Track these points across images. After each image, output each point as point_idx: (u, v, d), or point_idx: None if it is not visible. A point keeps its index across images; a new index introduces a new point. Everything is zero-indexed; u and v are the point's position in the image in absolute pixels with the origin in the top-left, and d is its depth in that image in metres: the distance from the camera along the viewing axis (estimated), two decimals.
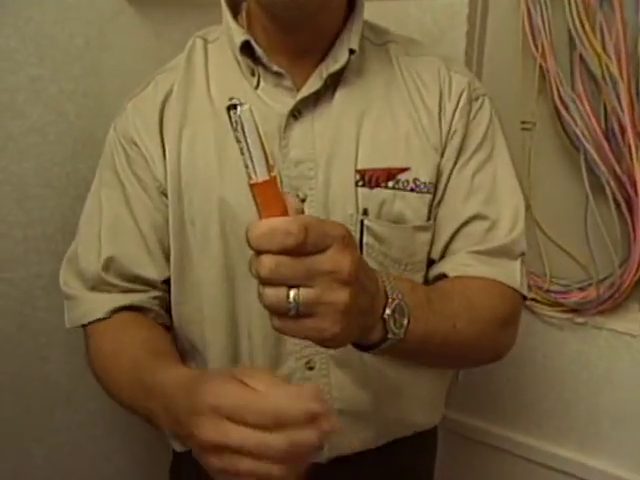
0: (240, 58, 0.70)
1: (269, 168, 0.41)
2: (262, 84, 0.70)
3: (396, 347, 0.55)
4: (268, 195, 0.42)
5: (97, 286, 0.72)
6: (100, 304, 0.71)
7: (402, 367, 0.73)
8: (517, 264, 0.72)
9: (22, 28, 0.83)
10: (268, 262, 0.42)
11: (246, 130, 0.40)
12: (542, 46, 1.03)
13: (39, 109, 0.88)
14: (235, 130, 0.41)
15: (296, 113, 0.69)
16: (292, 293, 0.43)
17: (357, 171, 0.69)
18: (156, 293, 0.73)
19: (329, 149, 0.69)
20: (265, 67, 0.69)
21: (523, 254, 0.73)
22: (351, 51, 0.69)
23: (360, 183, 0.69)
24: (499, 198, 0.72)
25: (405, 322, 0.54)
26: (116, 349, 0.66)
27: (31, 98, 0.87)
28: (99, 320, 0.70)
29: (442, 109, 0.72)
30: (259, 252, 0.43)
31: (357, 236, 0.68)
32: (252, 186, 0.42)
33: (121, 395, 0.63)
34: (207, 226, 0.69)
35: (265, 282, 0.44)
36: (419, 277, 0.73)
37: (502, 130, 0.77)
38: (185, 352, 0.75)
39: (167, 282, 0.73)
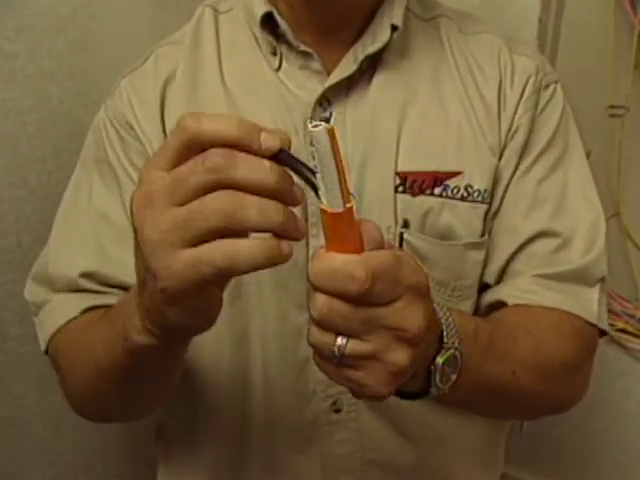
0: (259, 34, 0.75)
1: (346, 198, 0.43)
2: (285, 66, 0.75)
3: (438, 398, 0.58)
4: (340, 226, 0.44)
5: (69, 290, 0.76)
6: (73, 303, 0.74)
7: (447, 413, 0.76)
8: (595, 292, 0.75)
9: None
10: (321, 303, 0.44)
11: (321, 150, 0.42)
12: None
13: (15, 93, 0.94)
14: (311, 145, 0.43)
15: (324, 102, 0.73)
16: (339, 341, 0.46)
17: (397, 174, 0.73)
18: None
19: (363, 147, 0.73)
20: (290, 45, 0.73)
21: (603, 279, 0.76)
22: (393, 28, 0.72)
23: (400, 189, 0.72)
24: (572, 210, 0.75)
25: (454, 377, 0.57)
26: (84, 325, 0.71)
27: (5, 79, 0.92)
28: (69, 321, 0.74)
29: (502, 100, 0.75)
30: (315, 287, 0.45)
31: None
32: (322, 211, 0.44)
33: (91, 353, 0.65)
34: None
35: (315, 322, 0.46)
36: (468, 306, 0.77)
37: (576, 124, 0.81)
38: (184, 398, 0.78)
39: None
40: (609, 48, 1.12)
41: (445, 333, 0.55)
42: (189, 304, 0.47)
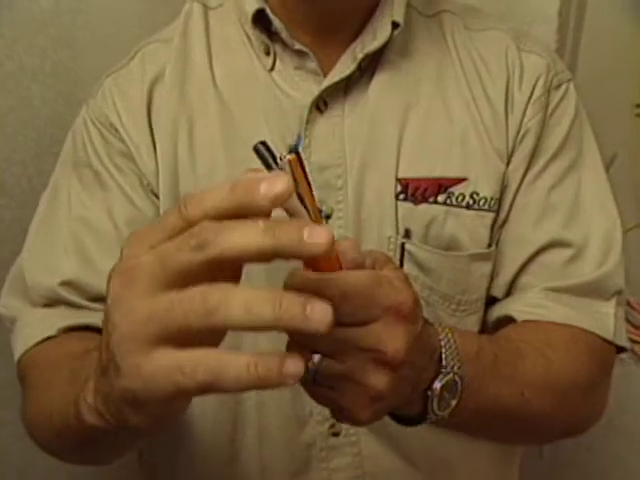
0: (251, 32, 0.78)
1: (315, 220, 0.47)
2: (278, 65, 0.78)
3: (439, 423, 0.61)
4: None
5: (47, 303, 0.77)
6: (50, 319, 0.76)
7: (454, 436, 0.78)
8: (611, 306, 0.77)
9: None
10: None
11: (291, 175, 0.46)
12: None
13: None
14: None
15: (321, 105, 0.76)
16: (315, 358, 0.49)
17: (398, 180, 0.75)
18: None
19: (362, 152, 0.76)
20: (284, 44, 0.76)
21: (620, 292, 0.78)
22: (395, 25, 0.75)
23: (402, 196, 0.75)
24: (585, 218, 0.78)
25: (453, 403, 0.59)
26: (56, 356, 0.71)
27: None
28: (45, 340, 0.75)
29: (510, 102, 0.78)
30: None
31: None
32: None
33: (48, 399, 0.66)
34: None
35: (290, 337, 0.48)
36: (474, 321, 0.79)
37: (599, 125, 0.83)
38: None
39: None
40: (634, 43, 1.15)
41: (444, 356, 0.58)
42: (152, 410, 0.43)
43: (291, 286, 0.46)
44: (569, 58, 1.22)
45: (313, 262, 0.48)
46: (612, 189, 0.83)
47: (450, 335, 0.59)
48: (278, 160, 0.47)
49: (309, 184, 0.47)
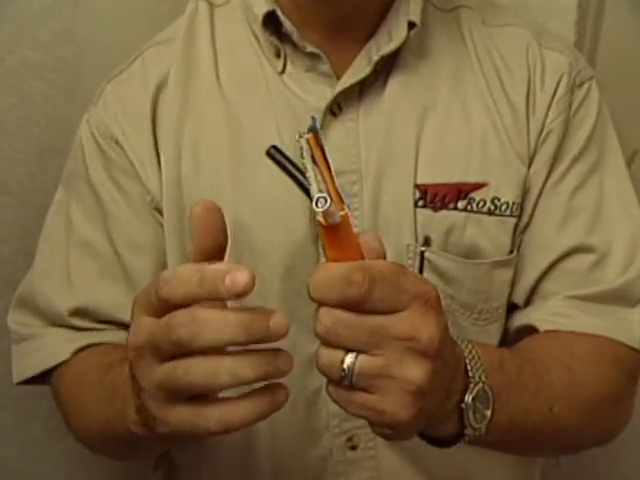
0: (261, 34, 0.76)
1: (338, 206, 0.46)
2: (289, 68, 0.77)
3: (473, 441, 0.60)
4: (336, 237, 0.47)
5: (60, 324, 0.79)
6: (64, 343, 0.78)
7: (473, 449, 0.78)
8: (636, 313, 0.76)
9: None
10: (324, 317, 0.47)
11: (309, 157, 0.46)
12: None
13: None
14: (301, 157, 0.47)
15: (335, 108, 0.75)
16: (348, 359, 0.48)
17: (417, 187, 0.74)
18: None
19: (379, 158, 0.74)
20: (295, 46, 0.75)
21: None
22: (411, 25, 0.74)
23: (421, 203, 0.74)
24: (609, 222, 0.77)
25: (488, 414, 0.59)
26: (80, 374, 0.75)
27: None
28: (62, 363, 0.78)
29: (531, 102, 0.77)
30: (319, 303, 0.48)
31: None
32: (318, 223, 0.47)
33: (94, 419, 0.71)
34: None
35: (322, 341, 0.48)
36: (496, 329, 0.79)
37: (620, 122, 0.82)
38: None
39: None
40: None
41: (469, 367, 0.57)
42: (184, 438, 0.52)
43: (317, 278, 0.47)
44: (588, 52, 1.20)
45: (336, 254, 0.48)
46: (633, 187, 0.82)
47: (471, 346, 0.59)
48: (296, 159, 0.47)
49: (328, 166, 0.47)
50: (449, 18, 0.80)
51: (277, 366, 0.46)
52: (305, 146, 0.46)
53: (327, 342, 0.48)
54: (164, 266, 0.78)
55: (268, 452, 0.78)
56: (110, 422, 0.65)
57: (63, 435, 0.96)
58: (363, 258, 0.48)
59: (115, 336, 0.78)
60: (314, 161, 0.46)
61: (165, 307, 0.46)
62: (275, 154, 0.50)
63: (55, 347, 0.79)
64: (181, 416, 0.47)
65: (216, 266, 0.45)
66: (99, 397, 0.69)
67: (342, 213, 0.46)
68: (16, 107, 0.99)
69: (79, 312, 0.78)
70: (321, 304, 0.47)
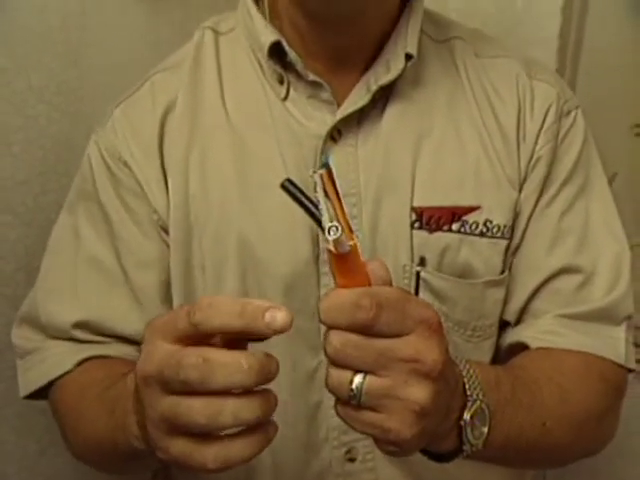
0: (265, 63, 0.79)
1: (348, 236, 0.50)
2: (292, 94, 0.80)
3: (470, 456, 0.63)
4: (345, 265, 0.51)
5: (63, 338, 0.82)
6: (66, 355, 0.80)
7: (467, 461, 0.82)
8: (621, 331, 0.80)
9: None
10: (334, 339, 0.50)
11: (322, 190, 0.50)
12: None
13: (1, 109, 0.98)
14: (315, 191, 0.50)
15: (335, 134, 0.78)
16: (356, 379, 0.51)
17: (413, 209, 0.77)
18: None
19: (377, 181, 0.78)
20: (298, 74, 0.78)
21: (629, 317, 0.81)
22: (408, 57, 0.77)
23: (417, 224, 0.77)
24: (595, 244, 0.81)
25: (485, 430, 0.62)
26: (83, 386, 0.76)
27: None
28: (65, 374, 0.80)
29: (521, 130, 0.81)
30: (329, 327, 0.51)
31: (411, 292, 0.77)
32: (328, 251, 0.51)
33: (94, 430, 0.72)
34: (221, 273, 0.78)
35: (331, 361, 0.52)
36: (489, 346, 0.82)
37: (600, 145, 0.86)
38: None
39: None
40: (632, 65, 1.19)
41: (467, 386, 0.60)
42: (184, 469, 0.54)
43: (328, 303, 0.51)
44: (569, 79, 1.25)
45: (345, 281, 0.51)
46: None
47: (468, 366, 0.62)
48: (308, 193, 0.51)
49: (339, 199, 0.50)
50: (443, 49, 0.84)
51: (272, 406, 0.49)
52: (318, 181, 0.49)
53: (336, 363, 0.51)
54: (168, 283, 0.81)
55: (269, 464, 0.79)
56: (110, 434, 0.66)
57: (60, 452, 0.99)
58: (370, 285, 0.52)
59: (117, 350, 0.81)
60: (326, 194, 0.49)
61: (194, 333, 0.48)
62: (289, 187, 0.52)
63: (58, 358, 0.81)
64: (181, 449, 0.50)
65: (257, 302, 0.48)
66: (100, 409, 0.70)
67: (351, 242, 0.50)
68: (21, 129, 1.01)
69: (82, 325, 0.80)
70: (331, 327, 0.51)
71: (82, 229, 0.83)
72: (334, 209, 0.49)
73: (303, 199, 0.52)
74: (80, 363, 0.80)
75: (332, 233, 0.49)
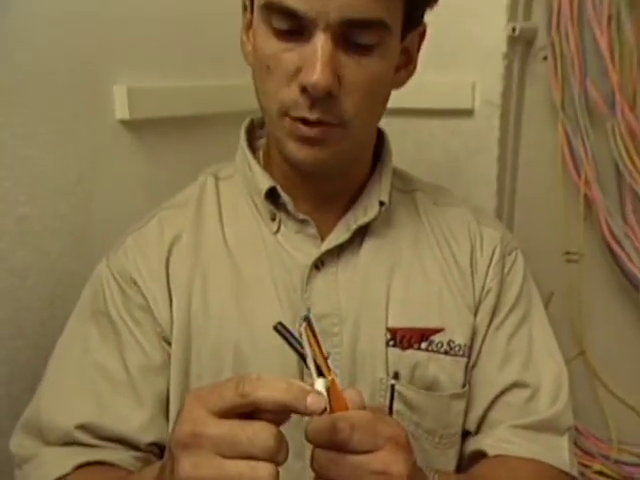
0: (261, 203, 0.91)
1: (326, 374, 0.59)
2: (282, 229, 0.91)
3: None
4: (327, 395, 0.59)
5: (62, 443, 0.84)
6: (64, 458, 0.82)
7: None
8: (564, 441, 0.91)
9: (17, 169, 1.07)
10: (319, 456, 0.59)
11: (306, 340, 0.61)
12: (585, 174, 1.30)
13: (22, 251, 1.09)
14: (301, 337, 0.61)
15: (319, 263, 0.89)
16: None
17: (388, 329, 0.88)
18: (140, 454, 0.85)
19: (356, 304, 0.88)
20: (288, 213, 0.90)
21: (570, 428, 0.92)
22: (381, 203, 0.91)
23: (391, 343, 0.88)
24: (538, 363, 0.93)
25: None
26: None
27: (15, 241, 1.08)
28: (63, 476, 0.81)
29: (474, 265, 0.94)
30: (314, 445, 0.59)
31: (387, 402, 0.87)
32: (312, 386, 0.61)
33: None
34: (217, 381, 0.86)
35: (316, 474, 0.60)
36: (454, 453, 0.92)
37: (538, 269, 0.99)
38: None
39: (161, 446, 0.86)
40: (560, 203, 1.35)
41: None
42: None
43: (312, 426, 0.59)
44: (507, 215, 1.43)
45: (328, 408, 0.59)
46: (551, 324, 0.99)
47: (438, 477, 0.72)
48: (296, 334, 0.62)
49: (318, 344, 0.61)
50: (408, 198, 0.99)
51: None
52: (303, 332, 0.61)
53: (321, 475, 0.61)
54: (168, 390, 0.88)
55: None
56: None
57: None
58: (347, 409, 0.60)
59: (114, 455, 0.84)
60: (309, 342, 0.61)
61: (239, 404, 0.54)
62: (281, 329, 0.63)
63: (56, 462, 0.83)
64: None
65: (301, 383, 0.55)
66: None
67: (330, 378, 0.61)
68: (37, 264, 1.11)
69: (86, 427, 0.84)
70: (316, 446, 0.61)
71: (91, 340, 0.89)
72: (315, 353, 0.60)
73: (292, 340, 0.63)
74: (77, 468, 0.83)
75: (319, 385, 0.59)
